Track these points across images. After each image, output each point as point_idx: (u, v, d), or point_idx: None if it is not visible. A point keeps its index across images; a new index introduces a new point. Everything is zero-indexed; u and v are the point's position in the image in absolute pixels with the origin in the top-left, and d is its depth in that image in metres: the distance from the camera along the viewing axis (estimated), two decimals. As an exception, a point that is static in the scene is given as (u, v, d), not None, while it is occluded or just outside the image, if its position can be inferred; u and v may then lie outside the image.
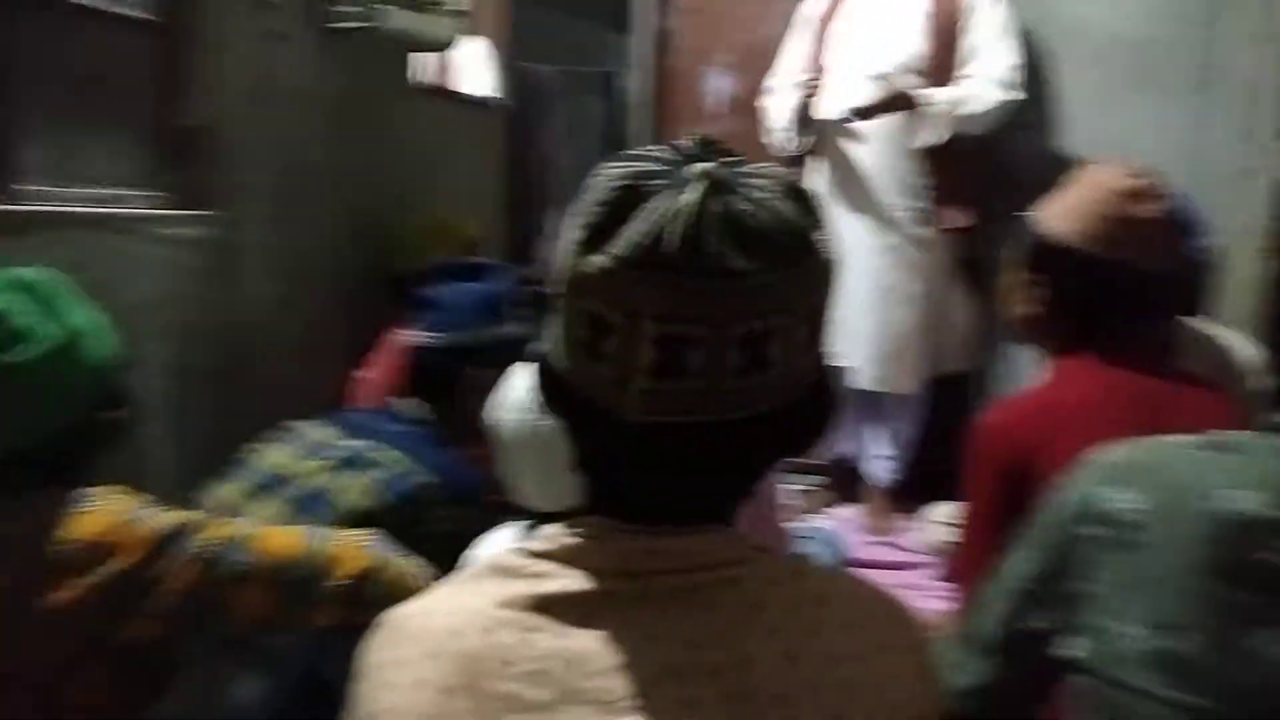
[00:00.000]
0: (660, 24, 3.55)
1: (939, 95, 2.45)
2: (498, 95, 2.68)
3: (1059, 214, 1.35)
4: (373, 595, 1.11)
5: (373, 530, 1.22)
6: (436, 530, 1.34)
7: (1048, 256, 1.37)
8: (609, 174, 0.63)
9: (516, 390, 1.19)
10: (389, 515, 1.31)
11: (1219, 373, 2.04)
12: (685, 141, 0.65)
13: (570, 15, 4.71)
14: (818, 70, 2.66)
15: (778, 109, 2.73)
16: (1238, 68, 2.43)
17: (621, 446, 0.65)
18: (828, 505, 2.83)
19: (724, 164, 0.62)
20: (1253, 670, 0.73)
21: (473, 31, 2.52)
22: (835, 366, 0.70)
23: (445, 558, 1.20)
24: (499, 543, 1.24)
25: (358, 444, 1.42)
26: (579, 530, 0.67)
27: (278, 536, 1.14)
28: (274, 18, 1.84)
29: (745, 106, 3.14)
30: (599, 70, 4.04)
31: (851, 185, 2.58)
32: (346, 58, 2.09)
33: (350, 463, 1.39)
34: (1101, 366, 1.32)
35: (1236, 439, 0.84)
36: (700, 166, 0.61)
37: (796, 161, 2.72)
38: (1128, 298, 1.32)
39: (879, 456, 2.71)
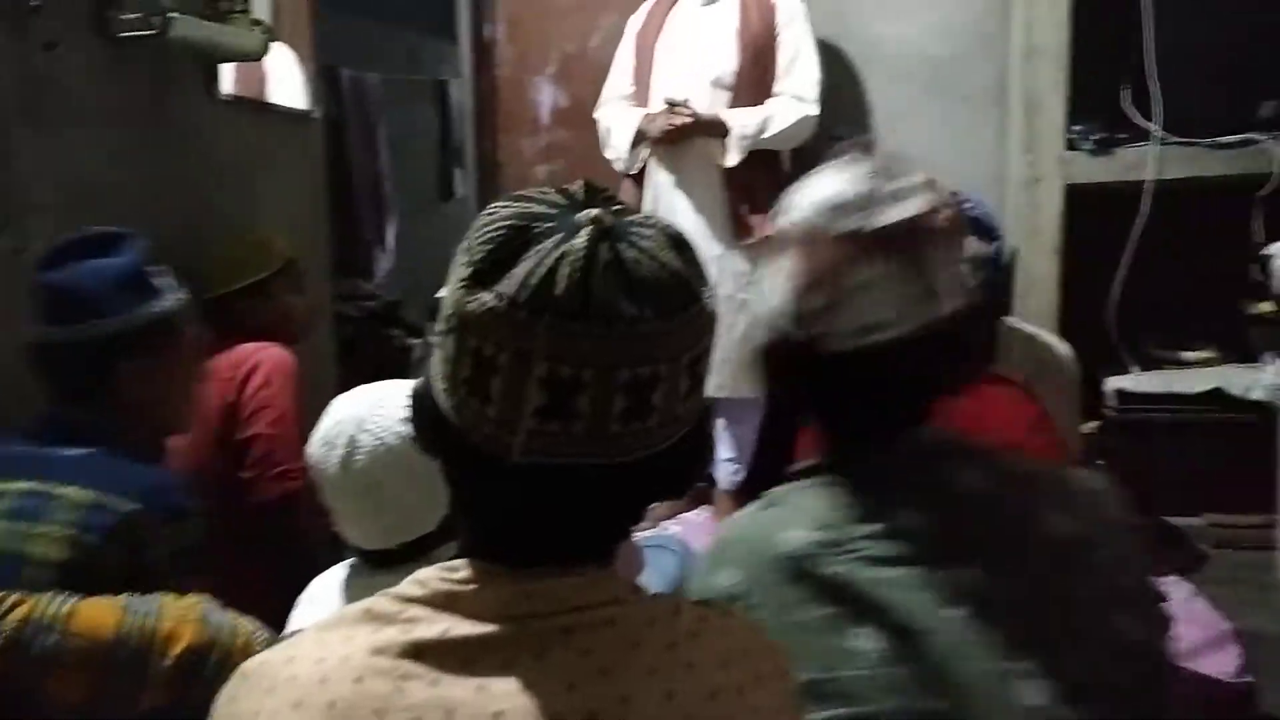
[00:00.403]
0: (482, 34, 3.52)
1: (740, 117, 2.55)
2: (314, 105, 2.56)
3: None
4: (212, 671, 1.03)
5: (195, 597, 1.13)
6: (161, 554, 1.21)
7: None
8: (497, 214, 0.63)
9: (330, 423, 1.12)
10: (99, 559, 1.15)
11: (1039, 368, 2.22)
12: (573, 187, 0.66)
13: (401, 24, 4.59)
14: (643, 86, 2.71)
15: (617, 128, 2.77)
16: (1021, 81, 2.63)
17: (503, 487, 0.64)
18: (677, 510, 2.87)
19: (612, 212, 0.63)
20: (863, 663, 0.82)
21: (284, 40, 2.40)
22: (710, 409, 0.71)
23: (184, 576, 1.12)
24: (330, 584, 1.18)
25: (21, 486, 1.20)
26: (454, 574, 0.65)
27: (93, 612, 1.04)
28: (48, 27, 1.69)
29: (571, 117, 3.16)
30: (433, 79, 3.95)
31: (676, 199, 2.65)
32: (141, 69, 1.94)
33: (20, 513, 1.17)
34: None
35: (782, 493, 0.94)
36: (590, 213, 0.61)
37: (636, 179, 2.76)
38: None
39: (723, 460, 2.77)
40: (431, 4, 3.75)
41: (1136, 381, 2.69)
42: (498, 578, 0.64)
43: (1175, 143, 2.50)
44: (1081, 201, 2.61)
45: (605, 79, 2.86)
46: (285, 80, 2.46)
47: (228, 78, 2.24)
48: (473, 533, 0.68)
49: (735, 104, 2.59)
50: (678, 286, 0.63)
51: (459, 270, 0.63)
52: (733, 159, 2.54)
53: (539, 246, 0.61)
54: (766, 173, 2.64)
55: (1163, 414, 2.64)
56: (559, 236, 0.61)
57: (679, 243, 0.66)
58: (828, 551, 0.85)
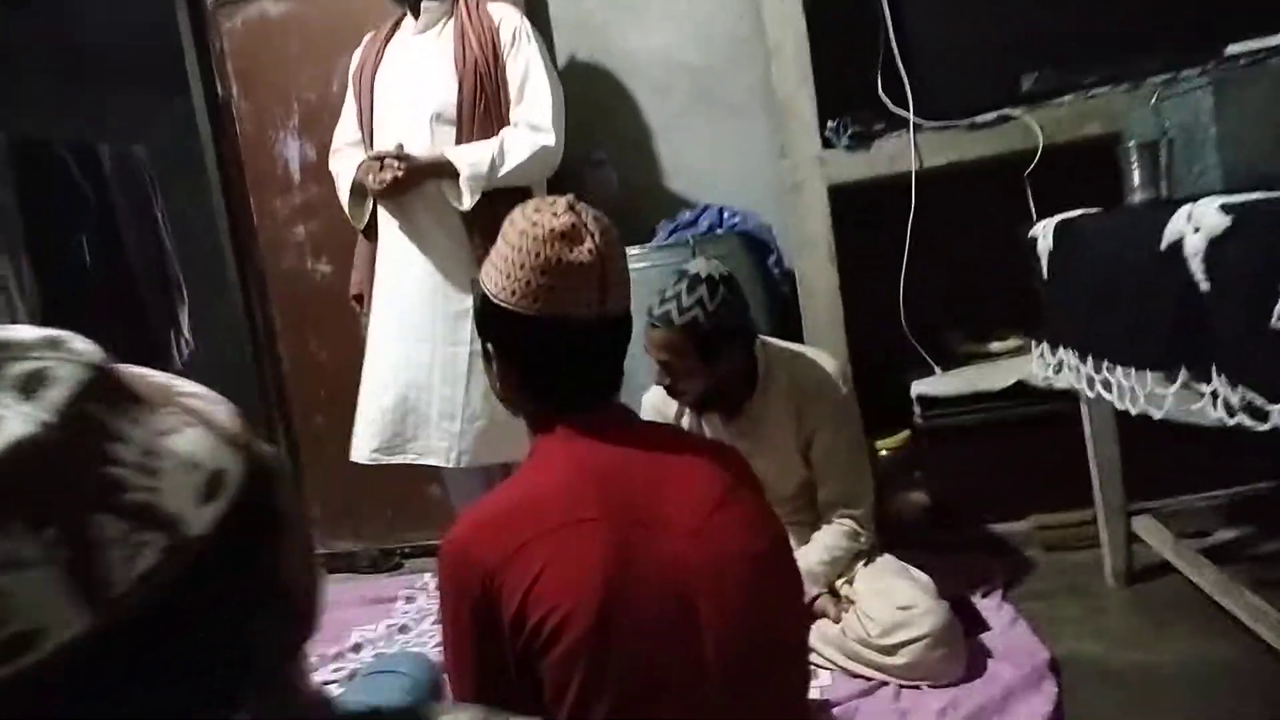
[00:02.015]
0: (215, 92, 3.17)
1: (467, 155, 2.25)
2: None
3: (490, 271, 1.15)
4: None
5: None
6: None
7: (489, 321, 1.16)
8: None
9: None
10: None
11: (805, 391, 2.00)
12: None
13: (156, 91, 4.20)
14: (368, 130, 2.41)
15: (341, 180, 2.47)
16: (770, 82, 2.43)
17: None
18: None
19: None
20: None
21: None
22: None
23: None
24: None
25: None
26: None
27: None
28: None
29: (322, 170, 2.85)
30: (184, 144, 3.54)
31: (409, 253, 2.34)
32: None
33: None
34: (572, 441, 1.13)
35: None
36: None
37: (368, 234, 2.46)
38: (577, 355, 1.13)
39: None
40: (162, 65, 3.39)
41: (939, 384, 2.50)
42: None
43: (932, 128, 2.32)
44: (849, 202, 2.41)
45: (347, 125, 2.56)
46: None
47: None
48: None
49: (463, 139, 2.28)
50: None
51: None
52: (468, 201, 2.22)
53: None
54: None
55: (970, 415, 2.45)
56: None
57: None
58: None
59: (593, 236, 1.11)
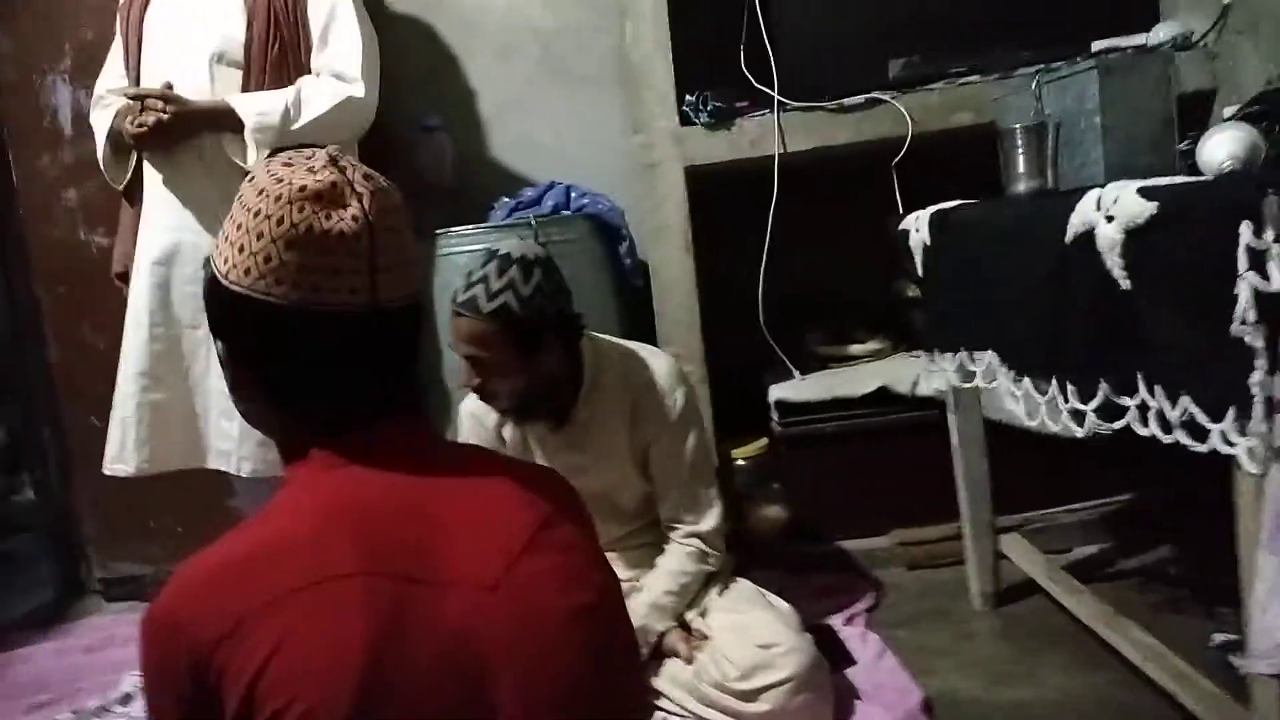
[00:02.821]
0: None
1: (255, 103, 1.86)
2: None
3: (221, 245, 0.83)
4: None
5: None
6: None
7: (219, 311, 0.84)
8: None
9: None
10: None
11: (637, 391, 1.75)
12: None
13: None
14: (135, 74, 1.98)
15: (98, 132, 2.02)
16: (624, 48, 2.17)
17: None
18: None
19: None
20: None
21: None
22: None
23: None
24: None
25: None
26: None
27: None
28: None
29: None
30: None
31: (181, 218, 1.92)
32: None
33: None
34: (331, 471, 0.82)
35: None
36: None
37: (129, 196, 2.02)
38: (339, 359, 0.83)
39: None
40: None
41: (798, 389, 2.31)
42: None
43: (797, 109, 2.13)
44: (708, 184, 2.19)
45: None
46: None
47: None
48: None
49: (250, 87, 1.89)
50: None
51: None
52: (253, 158, 1.83)
53: None
54: None
55: (829, 423, 2.28)
56: None
57: None
58: None
59: (360, 199, 0.80)
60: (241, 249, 0.80)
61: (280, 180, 0.80)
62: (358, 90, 1.92)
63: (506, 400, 1.61)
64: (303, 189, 0.79)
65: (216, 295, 0.83)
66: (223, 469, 1.97)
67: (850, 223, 2.34)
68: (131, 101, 1.85)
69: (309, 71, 1.95)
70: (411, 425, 0.89)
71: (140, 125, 1.81)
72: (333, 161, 0.82)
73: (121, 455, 1.95)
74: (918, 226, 1.73)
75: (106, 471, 1.98)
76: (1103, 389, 1.06)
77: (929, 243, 1.69)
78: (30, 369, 2.78)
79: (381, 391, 0.87)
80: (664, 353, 1.84)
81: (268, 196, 0.79)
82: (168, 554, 2.77)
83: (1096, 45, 2.19)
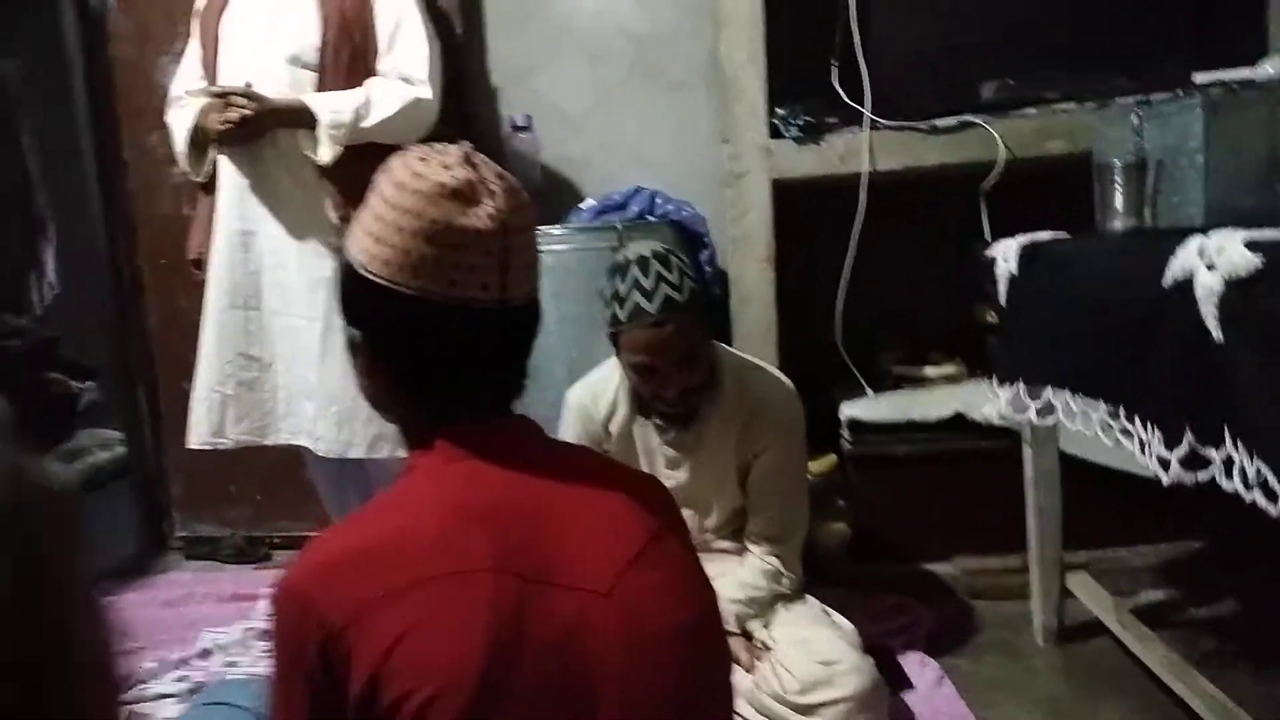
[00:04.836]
0: (87, 3, 2.77)
1: (329, 102, 1.96)
2: None
3: (358, 236, 0.87)
4: None
5: None
6: None
7: (355, 300, 0.89)
8: None
9: None
10: None
11: (753, 408, 1.75)
12: None
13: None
14: (212, 74, 2.09)
15: (178, 128, 2.13)
16: (717, 57, 2.19)
17: None
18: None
19: None
20: None
21: None
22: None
23: None
24: None
25: None
26: None
27: None
28: None
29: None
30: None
31: (259, 210, 2.03)
32: None
33: None
34: (456, 463, 0.86)
35: None
36: None
37: (208, 188, 2.13)
38: (469, 351, 0.87)
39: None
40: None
41: (871, 408, 2.31)
42: None
43: (888, 128, 2.12)
44: (792, 197, 2.19)
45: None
46: None
47: None
48: None
49: (325, 87, 1.99)
50: None
51: None
52: (326, 154, 1.94)
53: None
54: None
55: (903, 444, 2.27)
56: None
57: None
58: None
59: (494, 198, 0.84)
60: (379, 240, 0.84)
61: (419, 175, 0.84)
62: (424, 92, 2.02)
63: (679, 398, 1.61)
64: (441, 185, 0.83)
65: (352, 283, 0.88)
66: (299, 444, 2.06)
67: (932, 242, 2.32)
68: (217, 99, 1.94)
69: (376, 74, 2.04)
70: (525, 422, 0.93)
71: (226, 122, 1.91)
72: (466, 159, 0.86)
73: (202, 429, 2.06)
74: (1005, 256, 1.71)
75: (190, 446, 2.09)
76: (1188, 439, 1.05)
77: (1015, 273, 1.68)
78: (130, 334, 2.92)
79: (501, 385, 0.91)
80: (780, 372, 1.84)
81: (406, 190, 0.84)
82: (245, 519, 2.90)
83: (1199, 77, 2.13)
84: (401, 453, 0.95)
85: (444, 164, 0.85)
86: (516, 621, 0.77)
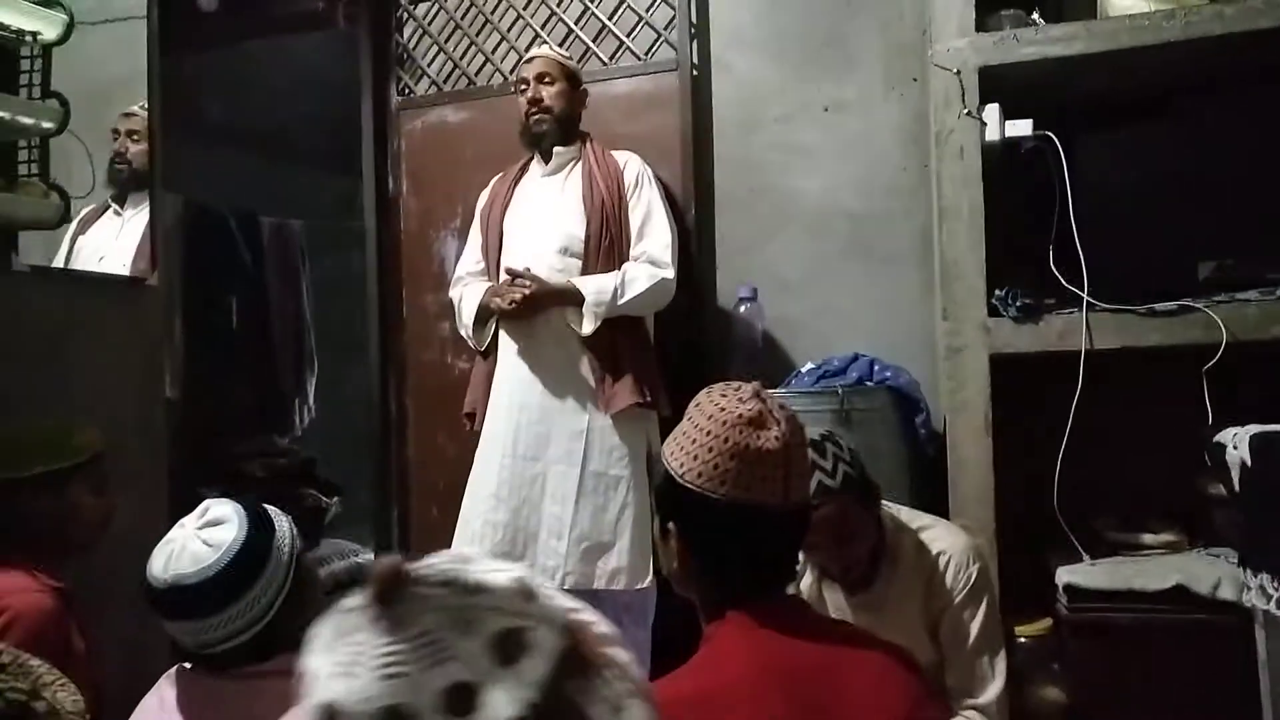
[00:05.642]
0: (386, 185, 3.34)
1: (592, 284, 2.43)
2: (151, 270, 2.30)
3: (675, 451, 1.14)
4: None
5: None
6: None
7: (672, 500, 1.14)
8: None
9: None
10: None
11: (935, 564, 1.89)
12: None
13: (315, 169, 4.49)
14: (492, 262, 2.61)
15: (464, 304, 2.65)
16: (938, 243, 2.40)
17: None
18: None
19: None
20: None
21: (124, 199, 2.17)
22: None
23: None
24: None
25: None
26: None
27: None
28: None
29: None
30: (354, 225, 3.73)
31: (528, 372, 2.49)
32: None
33: None
34: (752, 632, 1.08)
35: None
36: None
37: (485, 355, 2.61)
38: (761, 543, 1.11)
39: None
40: (336, 150, 3.59)
41: (1089, 575, 2.34)
42: None
43: (1105, 309, 2.24)
44: (1009, 370, 2.33)
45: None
46: (113, 246, 2.21)
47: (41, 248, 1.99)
48: None
49: (587, 271, 2.47)
50: None
51: None
52: (588, 327, 2.39)
53: None
54: (629, 339, 2.48)
55: (1121, 613, 2.29)
56: None
57: None
58: None
59: (779, 424, 1.10)
60: (695, 457, 1.10)
61: (723, 408, 1.11)
62: (669, 273, 2.45)
63: (860, 562, 1.80)
64: (740, 415, 1.09)
65: (671, 487, 1.13)
66: (549, 578, 2.36)
67: (1152, 413, 2.38)
68: (505, 279, 2.43)
69: (628, 257, 2.48)
70: (800, 601, 1.16)
71: (511, 302, 2.38)
72: (756, 394, 1.13)
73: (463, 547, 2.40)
74: (1235, 444, 1.79)
75: None
76: None
77: (1247, 463, 1.75)
78: (391, 463, 3.35)
79: (778, 570, 1.15)
80: (959, 528, 1.99)
81: (715, 420, 1.10)
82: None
83: None
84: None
85: (740, 398, 1.11)
86: None
